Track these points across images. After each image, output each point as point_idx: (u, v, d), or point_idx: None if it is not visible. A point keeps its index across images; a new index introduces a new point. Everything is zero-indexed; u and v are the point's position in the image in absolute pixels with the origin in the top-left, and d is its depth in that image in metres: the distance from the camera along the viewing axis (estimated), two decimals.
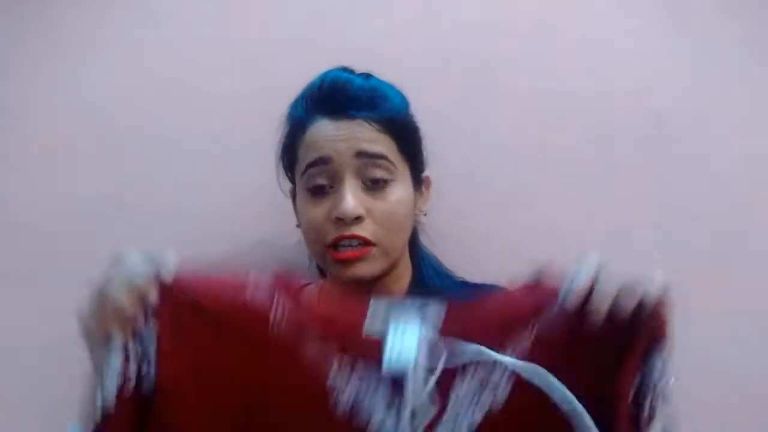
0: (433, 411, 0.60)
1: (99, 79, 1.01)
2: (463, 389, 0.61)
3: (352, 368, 0.61)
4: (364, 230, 0.74)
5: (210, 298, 0.62)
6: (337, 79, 0.78)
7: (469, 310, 0.64)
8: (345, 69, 0.80)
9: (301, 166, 0.78)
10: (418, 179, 0.82)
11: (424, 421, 0.60)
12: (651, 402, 0.58)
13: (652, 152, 1.02)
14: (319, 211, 0.76)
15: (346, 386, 0.61)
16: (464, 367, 0.60)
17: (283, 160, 0.84)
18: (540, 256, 0.99)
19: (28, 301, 0.98)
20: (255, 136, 0.99)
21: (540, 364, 0.59)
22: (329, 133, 0.75)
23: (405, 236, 0.80)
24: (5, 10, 1.00)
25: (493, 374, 0.61)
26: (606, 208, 1.01)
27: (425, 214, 0.84)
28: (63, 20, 1.01)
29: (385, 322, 0.62)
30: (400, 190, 0.77)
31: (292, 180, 0.83)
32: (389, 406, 0.60)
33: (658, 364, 0.60)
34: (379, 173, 0.75)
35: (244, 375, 0.61)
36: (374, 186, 0.75)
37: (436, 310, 0.63)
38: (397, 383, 0.60)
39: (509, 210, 1.01)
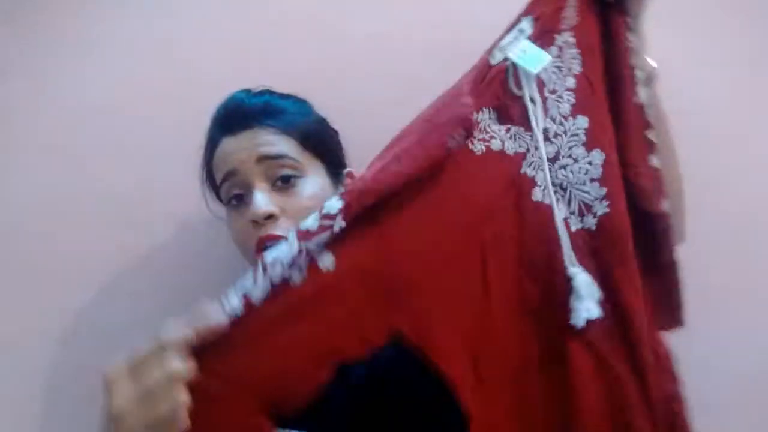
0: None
1: (99, 78, 1.01)
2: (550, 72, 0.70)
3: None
4: (278, 228, 0.76)
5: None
6: (233, 99, 0.83)
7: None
8: (242, 90, 0.85)
9: (217, 185, 0.82)
10: (335, 174, 0.84)
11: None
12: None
13: None
14: (240, 220, 0.79)
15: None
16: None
17: (208, 187, 0.87)
18: None
19: (28, 301, 0.98)
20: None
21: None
22: (231, 147, 0.79)
23: None
24: (5, 10, 1.00)
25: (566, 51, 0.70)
26: None
27: None
28: (63, 20, 1.01)
29: (501, 50, 0.70)
30: (311, 185, 0.79)
31: (222, 202, 0.85)
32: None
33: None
34: (284, 171, 0.78)
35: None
36: (284, 185, 0.78)
37: (526, 22, 0.70)
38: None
39: None
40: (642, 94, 0.70)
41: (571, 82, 0.70)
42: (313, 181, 0.80)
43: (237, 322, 0.58)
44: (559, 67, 0.70)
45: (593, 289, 0.65)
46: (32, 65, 1.01)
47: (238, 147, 0.79)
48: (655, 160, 0.70)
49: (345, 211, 0.61)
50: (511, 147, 0.69)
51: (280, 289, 0.59)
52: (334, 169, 0.84)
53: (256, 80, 1.01)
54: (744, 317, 1.01)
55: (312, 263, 0.61)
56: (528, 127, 0.69)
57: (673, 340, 0.97)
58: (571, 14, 0.70)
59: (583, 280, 0.65)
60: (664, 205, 0.70)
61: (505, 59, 0.69)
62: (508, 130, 0.69)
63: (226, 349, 0.57)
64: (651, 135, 0.70)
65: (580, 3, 0.71)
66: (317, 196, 0.78)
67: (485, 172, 0.67)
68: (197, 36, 1.02)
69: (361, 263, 0.62)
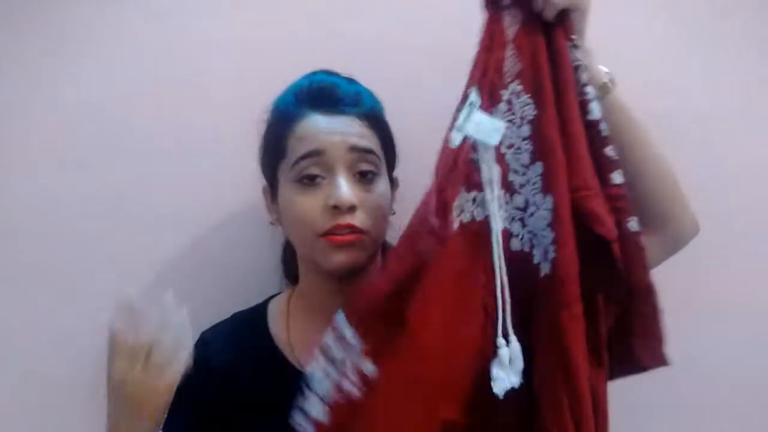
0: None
1: (99, 78, 1.01)
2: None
3: None
4: (356, 219, 0.77)
5: None
6: (325, 79, 0.83)
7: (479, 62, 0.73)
8: (331, 72, 0.85)
9: (290, 158, 0.80)
10: (391, 178, 0.86)
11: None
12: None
13: None
14: (311, 200, 0.78)
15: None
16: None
17: (265, 156, 0.86)
18: None
19: (28, 301, 0.98)
20: (256, 136, 1.00)
21: None
22: (322, 127, 0.79)
23: (385, 230, 0.83)
24: (5, 9, 1.00)
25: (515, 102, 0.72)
26: None
27: (393, 213, 0.87)
28: (63, 19, 1.01)
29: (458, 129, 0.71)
30: (383, 185, 0.82)
31: (271, 176, 0.84)
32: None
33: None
34: (367, 166, 0.79)
35: None
36: (363, 179, 0.79)
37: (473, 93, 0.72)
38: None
39: None
40: (595, 110, 0.70)
41: (525, 130, 0.71)
42: (384, 182, 0.82)
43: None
44: (511, 121, 0.71)
45: (518, 361, 0.68)
46: (32, 65, 1.00)
47: (331, 129, 0.78)
48: (618, 178, 0.70)
49: (358, 332, 0.67)
50: (480, 213, 0.71)
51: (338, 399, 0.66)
52: (390, 173, 0.86)
53: (256, 80, 1.01)
54: (744, 318, 1.01)
55: (358, 371, 0.66)
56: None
57: (674, 340, 0.98)
58: (512, 63, 0.72)
59: (508, 352, 0.68)
60: (632, 225, 0.70)
61: (465, 138, 0.70)
62: (474, 200, 0.71)
63: None
64: (610, 151, 0.70)
65: (519, 43, 0.72)
66: (386, 197, 0.82)
67: (466, 247, 0.70)
68: (197, 36, 1.02)
69: (399, 368, 0.67)
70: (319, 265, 0.80)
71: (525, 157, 0.71)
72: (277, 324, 0.87)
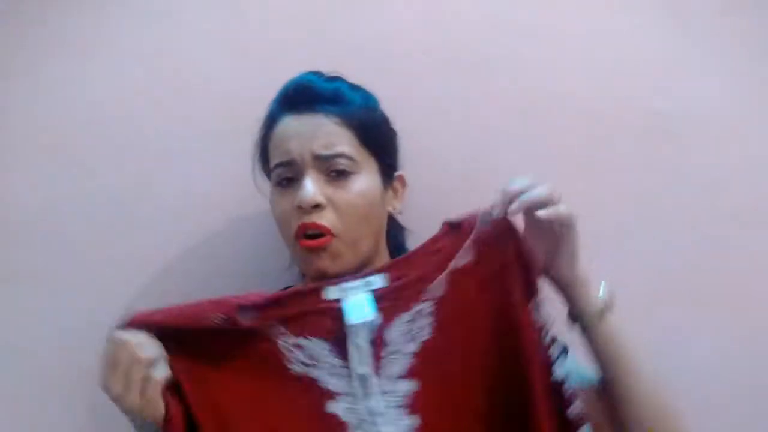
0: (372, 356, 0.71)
1: (100, 78, 1.01)
2: (395, 332, 0.72)
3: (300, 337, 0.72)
4: (323, 218, 0.76)
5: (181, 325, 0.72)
6: (303, 79, 0.83)
7: (403, 264, 0.75)
8: (314, 72, 0.84)
9: (271, 163, 0.82)
10: (388, 175, 0.84)
11: (369, 362, 0.71)
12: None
13: (652, 152, 1.02)
14: (285, 202, 0.79)
15: (298, 353, 0.72)
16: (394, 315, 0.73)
17: (259, 158, 0.87)
18: None
19: (28, 301, 0.98)
20: (255, 136, 1.00)
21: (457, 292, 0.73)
22: (291, 132, 0.79)
23: (371, 230, 0.81)
24: (6, 10, 1.00)
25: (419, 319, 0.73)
26: (606, 208, 1.01)
27: (400, 213, 0.86)
28: (64, 20, 1.01)
29: (341, 291, 0.72)
30: (362, 183, 0.79)
31: (269, 177, 0.86)
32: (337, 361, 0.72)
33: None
34: (339, 166, 0.78)
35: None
36: (337, 177, 0.78)
37: (378, 279, 0.73)
38: (340, 343, 0.71)
39: None
40: (558, 371, 0.71)
41: (412, 347, 0.72)
42: (366, 179, 0.80)
43: None
44: (408, 331, 0.72)
45: None
46: (32, 65, 1.00)
47: (298, 132, 0.79)
48: None
49: None
50: (330, 383, 0.72)
51: None
52: (387, 170, 0.83)
53: (256, 80, 1.01)
54: (744, 319, 1.01)
55: None
56: (348, 370, 0.71)
57: (674, 340, 0.98)
58: (438, 285, 0.73)
59: None
60: None
61: (338, 300, 0.72)
62: (333, 368, 0.72)
63: None
64: (575, 409, 0.71)
65: (458, 275, 0.73)
66: (366, 194, 0.79)
67: (299, 398, 0.72)
68: (197, 36, 1.02)
69: None
70: (301, 269, 0.83)
71: (397, 369, 0.72)
72: None
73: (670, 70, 1.03)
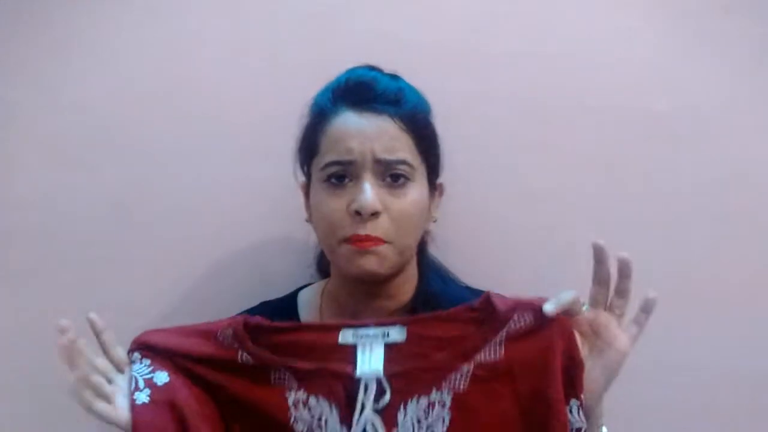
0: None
1: (100, 78, 1.01)
2: (408, 414, 0.69)
3: (308, 396, 0.70)
4: (378, 228, 0.75)
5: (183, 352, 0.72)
6: (364, 74, 0.80)
7: (426, 324, 0.71)
8: (372, 67, 0.82)
9: (322, 158, 0.78)
10: (432, 183, 0.83)
11: None
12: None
13: (652, 152, 1.02)
14: (336, 202, 0.76)
15: (304, 411, 0.69)
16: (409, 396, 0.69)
17: (301, 152, 0.83)
18: (537, 255, 1.01)
19: (28, 301, 0.98)
20: (256, 136, 1.00)
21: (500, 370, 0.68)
22: (353, 130, 0.76)
23: (416, 239, 0.80)
24: (6, 10, 1.00)
25: (435, 409, 0.69)
26: (606, 208, 1.01)
27: (435, 221, 0.85)
28: (63, 19, 1.01)
29: (356, 337, 0.70)
30: (417, 191, 0.78)
31: (307, 173, 0.83)
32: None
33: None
34: (398, 173, 0.76)
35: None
36: (393, 184, 0.76)
37: (396, 332, 0.70)
38: (348, 410, 0.68)
39: (507, 210, 1.01)
40: None
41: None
42: (419, 187, 0.78)
43: None
44: (423, 418, 0.68)
45: None
46: (33, 65, 1.00)
47: (361, 131, 0.76)
48: None
49: None
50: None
51: None
52: (432, 177, 0.82)
53: (256, 80, 1.01)
54: (743, 318, 1.01)
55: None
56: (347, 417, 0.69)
57: (672, 340, 0.98)
58: (460, 378, 0.69)
59: None
60: None
61: (354, 346, 0.70)
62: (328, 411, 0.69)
63: None
64: None
65: (484, 371, 0.68)
66: (419, 203, 0.78)
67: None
68: (198, 35, 1.02)
69: None
70: (341, 268, 0.79)
71: None
72: (308, 313, 0.87)
73: (670, 70, 1.03)
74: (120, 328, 0.97)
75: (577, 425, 0.67)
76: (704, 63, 1.03)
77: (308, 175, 0.82)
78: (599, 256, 0.69)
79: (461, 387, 0.68)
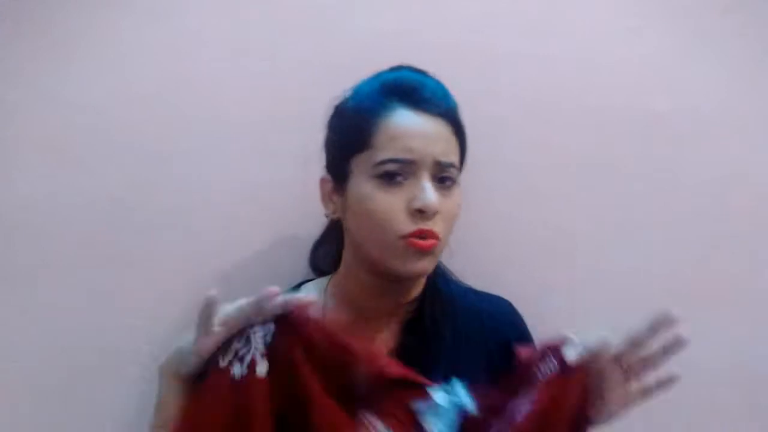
0: None
1: (99, 78, 1.01)
2: None
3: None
4: (437, 226, 0.76)
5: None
6: (413, 74, 0.81)
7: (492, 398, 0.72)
8: (414, 68, 0.83)
9: (375, 154, 0.77)
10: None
11: None
12: None
13: (653, 152, 1.02)
14: (392, 199, 0.76)
15: None
16: None
17: (338, 144, 0.82)
18: (537, 255, 1.01)
19: (28, 301, 0.98)
20: (256, 136, 1.00)
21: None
22: (413, 129, 0.77)
23: None
24: (4, 10, 1.00)
25: None
26: (606, 208, 1.01)
27: None
28: (63, 19, 1.01)
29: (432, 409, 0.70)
30: (459, 193, 0.80)
31: (342, 167, 0.80)
32: None
33: None
34: (450, 175, 0.78)
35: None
36: (442, 184, 0.78)
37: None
38: None
39: (507, 209, 1.01)
40: None
41: None
42: (460, 191, 0.80)
43: None
44: None
45: None
46: (32, 65, 1.00)
47: (422, 132, 0.77)
48: None
49: None
50: None
51: None
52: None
53: (256, 80, 1.01)
54: (743, 318, 1.01)
55: None
56: None
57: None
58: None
59: None
60: None
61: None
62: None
63: None
64: None
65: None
66: (461, 205, 0.80)
67: None
68: (197, 36, 1.02)
69: None
70: (389, 266, 0.78)
71: None
72: None
73: (670, 70, 1.03)
74: (120, 328, 0.98)
75: None
76: (704, 63, 1.03)
77: (344, 171, 0.80)
78: (659, 325, 0.69)
79: None
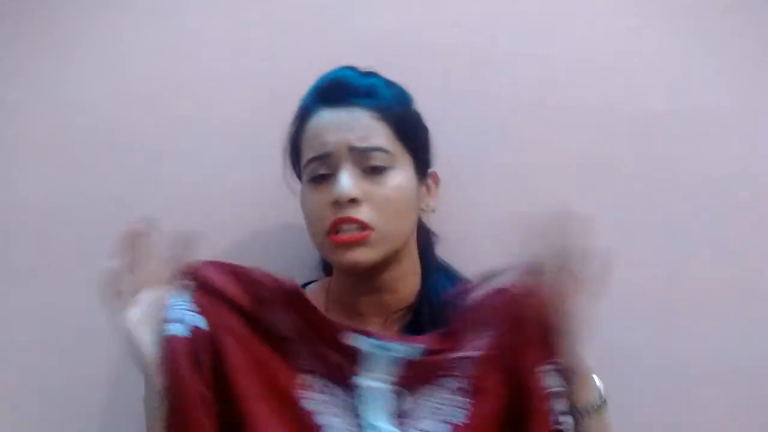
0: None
1: (99, 78, 1.01)
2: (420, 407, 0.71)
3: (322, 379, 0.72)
4: (360, 213, 0.75)
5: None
6: (338, 73, 0.82)
7: (446, 338, 0.72)
8: (349, 67, 0.84)
9: (304, 158, 0.81)
10: (422, 172, 0.83)
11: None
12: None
13: (652, 152, 1.02)
14: (319, 197, 0.78)
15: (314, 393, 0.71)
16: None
17: (290, 154, 0.86)
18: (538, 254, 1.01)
19: (28, 301, 0.98)
20: (255, 136, 0.99)
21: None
22: (327, 125, 0.78)
23: (406, 225, 0.80)
24: (4, 10, 1.00)
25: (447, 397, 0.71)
26: (605, 207, 1.01)
27: (433, 211, 0.85)
28: (63, 19, 1.01)
29: (369, 344, 0.71)
30: (399, 177, 0.79)
31: (299, 175, 0.84)
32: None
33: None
34: (375, 161, 0.78)
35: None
36: (372, 172, 0.77)
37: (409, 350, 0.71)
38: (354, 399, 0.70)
39: (507, 209, 1.01)
40: None
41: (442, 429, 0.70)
42: (401, 174, 0.79)
43: None
44: (437, 410, 0.70)
45: None
46: (32, 65, 1.00)
47: (334, 125, 0.78)
48: None
49: None
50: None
51: None
52: (421, 166, 0.83)
53: (256, 80, 1.01)
54: (742, 318, 1.01)
55: None
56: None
57: (671, 339, 0.98)
58: (468, 365, 0.70)
59: None
60: None
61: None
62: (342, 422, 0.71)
63: None
64: None
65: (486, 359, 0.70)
66: (402, 189, 0.79)
67: None
68: (197, 36, 1.02)
69: None
70: (332, 263, 0.81)
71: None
72: None
73: (670, 70, 1.03)
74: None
75: (556, 389, 0.68)
76: (704, 63, 1.03)
77: (300, 179, 0.84)
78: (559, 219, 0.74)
79: (471, 371, 0.70)
